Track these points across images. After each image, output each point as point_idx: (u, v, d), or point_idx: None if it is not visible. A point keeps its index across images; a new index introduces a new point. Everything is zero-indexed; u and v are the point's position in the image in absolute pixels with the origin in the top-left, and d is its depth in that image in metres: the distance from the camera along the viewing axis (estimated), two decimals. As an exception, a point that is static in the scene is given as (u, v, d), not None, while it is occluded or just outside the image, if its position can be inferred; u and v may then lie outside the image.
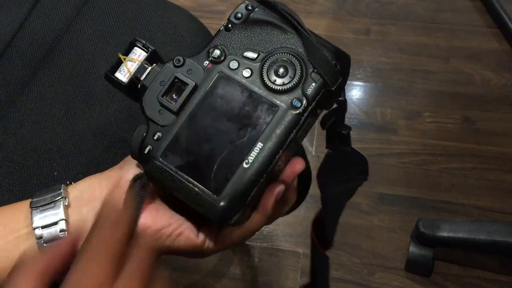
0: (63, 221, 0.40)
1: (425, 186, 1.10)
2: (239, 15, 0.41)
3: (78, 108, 0.55)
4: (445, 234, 0.95)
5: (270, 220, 0.42)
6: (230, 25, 0.41)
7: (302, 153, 0.44)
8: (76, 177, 0.51)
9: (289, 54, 0.39)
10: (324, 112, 0.43)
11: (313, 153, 1.10)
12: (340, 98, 0.41)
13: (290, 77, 0.39)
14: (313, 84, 0.39)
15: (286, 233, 1.05)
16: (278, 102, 0.38)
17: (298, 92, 0.39)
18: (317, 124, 0.43)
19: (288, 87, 0.39)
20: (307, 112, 0.38)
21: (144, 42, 0.42)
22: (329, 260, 0.49)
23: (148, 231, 0.40)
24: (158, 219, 0.41)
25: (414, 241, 0.99)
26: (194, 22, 0.65)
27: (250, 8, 0.41)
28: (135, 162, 0.42)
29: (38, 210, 0.40)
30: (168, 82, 0.40)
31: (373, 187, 1.09)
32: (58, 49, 0.59)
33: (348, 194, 0.48)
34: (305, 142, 1.09)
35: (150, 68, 0.41)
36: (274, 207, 0.40)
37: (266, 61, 0.40)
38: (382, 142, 1.16)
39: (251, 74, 0.40)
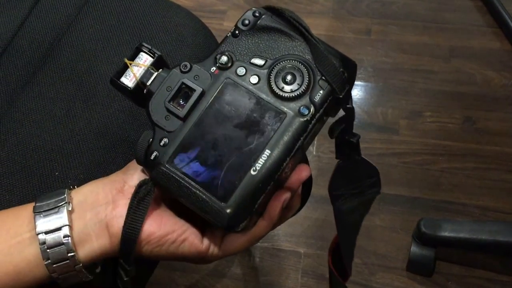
0: (67, 227, 0.39)
1: (426, 186, 1.09)
2: (247, 21, 0.41)
3: (79, 108, 0.55)
4: (446, 234, 0.95)
5: (274, 226, 0.42)
6: (237, 32, 0.41)
7: (305, 160, 0.44)
8: (78, 177, 0.51)
9: (297, 61, 0.39)
10: (332, 120, 0.43)
11: (314, 153, 1.10)
12: (348, 106, 0.41)
13: (298, 84, 0.39)
14: (321, 92, 0.39)
15: (287, 233, 1.05)
16: (285, 109, 0.38)
17: (305, 99, 0.39)
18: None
19: (295, 94, 0.39)
20: (314, 119, 0.38)
21: (150, 47, 0.42)
22: None
23: (152, 238, 0.40)
24: (162, 226, 0.41)
25: (415, 241, 0.98)
26: (195, 22, 0.65)
27: (257, 14, 0.41)
28: (139, 167, 0.42)
29: (41, 215, 0.40)
30: (175, 87, 0.40)
31: (374, 187, 1.09)
32: (59, 49, 0.59)
33: (362, 210, 0.48)
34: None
35: (156, 73, 0.41)
36: (280, 214, 0.40)
37: (273, 68, 0.40)
38: (383, 142, 1.16)
39: (258, 81, 0.39)
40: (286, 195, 0.40)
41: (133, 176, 0.42)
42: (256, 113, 0.39)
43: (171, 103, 0.40)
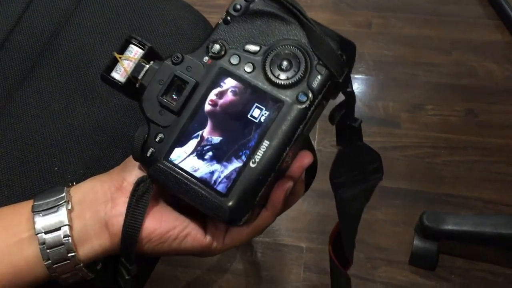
0: (67, 227, 0.39)
1: (428, 179, 1.09)
2: (238, 6, 0.39)
3: (77, 103, 0.55)
4: (449, 227, 0.94)
5: (279, 214, 0.41)
6: (228, 18, 0.39)
7: (308, 144, 0.43)
8: (77, 173, 0.51)
9: (292, 46, 0.38)
10: (332, 105, 0.42)
11: (316, 147, 1.10)
12: (348, 90, 0.40)
13: (294, 70, 0.37)
14: (319, 77, 0.37)
15: (289, 228, 1.04)
16: (283, 97, 0.37)
17: (303, 86, 0.37)
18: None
19: (292, 81, 0.37)
20: (313, 106, 0.37)
21: (139, 39, 0.40)
22: (350, 280, 0.46)
23: (154, 235, 0.40)
24: (163, 223, 0.40)
25: (418, 235, 0.98)
26: (194, 15, 0.64)
27: None
28: (137, 163, 0.41)
29: (40, 214, 0.39)
30: (168, 80, 0.39)
31: (376, 181, 1.08)
32: (57, 43, 0.58)
33: (364, 197, 0.47)
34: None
35: (147, 66, 0.39)
36: (283, 204, 0.39)
37: (268, 55, 0.38)
38: (384, 136, 1.15)
39: (253, 69, 0.38)
40: (289, 184, 0.39)
41: (131, 172, 0.41)
42: (253, 102, 0.37)
43: (164, 97, 0.39)
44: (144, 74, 0.39)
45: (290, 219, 1.05)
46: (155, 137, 0.38)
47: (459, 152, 1.12)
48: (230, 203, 0.36)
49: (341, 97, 0.41)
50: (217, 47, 0.39)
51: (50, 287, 0.41)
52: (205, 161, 0.37)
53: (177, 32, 0.59)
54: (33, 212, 0.39)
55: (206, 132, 0.38)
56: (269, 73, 0.38)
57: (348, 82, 0.39)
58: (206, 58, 0.39)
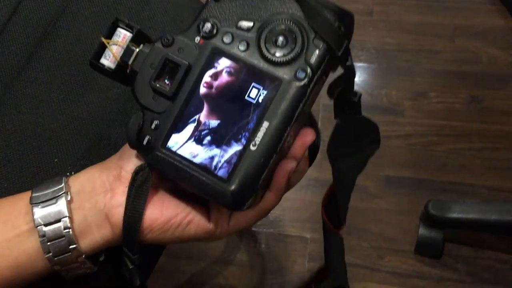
0: (67, 218, 0.38)
1: (433, 167, 1.08)
2: None
3: (77, 92, 0.54)
4: (455, 215, 0.93)
5: (283, 194, 0.40)
6: None
7: (310, 119, 0.41)
8: (77, 163, 0.50)
9: (287, 20, 0.36)
10: (331, 78, 0.40)
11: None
12: (347, 63, 0.37)
13: (290, 46, 0.35)
14: (317, 51, 0.35)
15: (293, 219, 1.03)
16: (280, 75, 0.35)
17: (301, 62, 0.35)
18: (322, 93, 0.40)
19: (289, 58, 0.35)
20: (312, 82, 0.35)
21: (127, 21, 0.38)
22: (343, 241, 0.46)
23: (156, 224, 0.38)
24: (164, 211, 0.39)
25: (423, 223, 0.97)
26: (193, 2, 0.63)
27: None
28: (134, 151, 0.39)
29: (39, 207, 0.38)
30: (159, 64, 0.37)
31: (380, 170, 1.08)
32: (54, 33, 0.57)
33: (360, 166, 0.45)
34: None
35: (137, 50, 0.38)
36: (287, 184, 0.38)
37: (263, 31, 0.36)
38: (388, 124, 1.14)
39: (247, 47, 0.36)
40: (292, 165, 0.37)
41: (129, 161, 0.40)
42: (249, 82, 0.36)
43: (157, 82, 0.37)
44: (134, 59, 0.38)
45: (294, 209, 1.04)
46: (151, 124, 0.37)
47: (463, 139, 1.11)
48: (232, 188, 0.35)
49: (340, 70, 0.39)
50: (208, 26, 0.37)
51: (53, 281, 0.40)
52: (204, 146, 0.36)
53: (177, 19, 0.58)
54: (31, 204, 0.38)
55: (202, 116, 0.36)
56: (264, 51, 0.36)
57: (347, 55, 0.37)
58: (197, 39, 0.37)
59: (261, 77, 0.36)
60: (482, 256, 0.97)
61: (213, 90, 0.36)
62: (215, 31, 0.37)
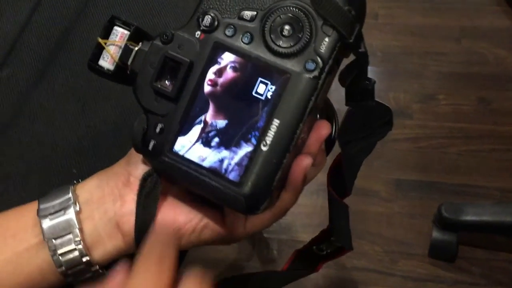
0: (77, 230, 0.36)
1: (443, 170, 1.07)
2: None
3: (93, 102, 0.53)
4: (468, 218, 0.93)
5: (301, 192, 0.38)
6: None
7: (327, 106, 0.39)
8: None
9: (293, 7, 0.33)
10: (343, 65, 0.37)
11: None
12: (360, 50, 0.34)
13: (298, 35, 0.33)
14: (326, 39, 0.32)
15: (305, 224, 1.03)
16: (289, 67, 0.33)
17: (310, 52, 0.33)
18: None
19: (297, 48, 0.33)
20: (324, 73, 0.33)
21: (123, 19, 0.36)
22: (348, 208, 0.45)
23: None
24: (177, 217, 0.37)
25: (436, 227, 0.96)
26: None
27: None
28: (141, 155, 0.38)
29: (47, 218, 0.37)
30: (159, 63, 0.34)
31: (390, 174, 1.07)
32: (68, 42, 0.57)
33: (369, 148, 0.44)
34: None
35: (136, 48, 0.35)
36: (304, 181, 0.36)
37: (267, 21, 0.33)
38: (397, 127, 1.13)
39: (252, 39, 0.33)
40: (308, 161, 0.35)
41: (136, 166, 0.38)
42: (256, 77, 0.33)
43: (158, 82, 0.34)
44: (133, 59, 0.35)
45: (306, 215, 1.04)
46: (155, 128, 0.35)
47: (474, 141, 1.10)
48: (245, 192, 0.33)
49: (352, 56, 0.36)
50: (208, 18, 0.34)
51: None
52: (212, 149, 0.34)
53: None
54: (39, 216, 0.37)
55: (209, 116, 0.34)
56: (270, 42, 0.33)
57: (360, 41, 0.34)
58: (198, 33, 0.34)
59: (268, 71, 0.33)
60: (496, 258, 0.97)
61: (218, 87, 0.34)
62: (216, 23, 0.34)
